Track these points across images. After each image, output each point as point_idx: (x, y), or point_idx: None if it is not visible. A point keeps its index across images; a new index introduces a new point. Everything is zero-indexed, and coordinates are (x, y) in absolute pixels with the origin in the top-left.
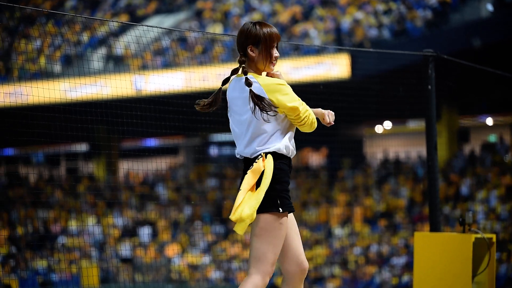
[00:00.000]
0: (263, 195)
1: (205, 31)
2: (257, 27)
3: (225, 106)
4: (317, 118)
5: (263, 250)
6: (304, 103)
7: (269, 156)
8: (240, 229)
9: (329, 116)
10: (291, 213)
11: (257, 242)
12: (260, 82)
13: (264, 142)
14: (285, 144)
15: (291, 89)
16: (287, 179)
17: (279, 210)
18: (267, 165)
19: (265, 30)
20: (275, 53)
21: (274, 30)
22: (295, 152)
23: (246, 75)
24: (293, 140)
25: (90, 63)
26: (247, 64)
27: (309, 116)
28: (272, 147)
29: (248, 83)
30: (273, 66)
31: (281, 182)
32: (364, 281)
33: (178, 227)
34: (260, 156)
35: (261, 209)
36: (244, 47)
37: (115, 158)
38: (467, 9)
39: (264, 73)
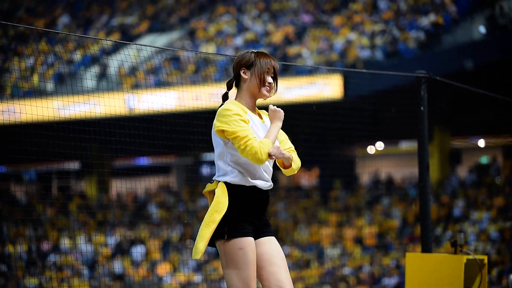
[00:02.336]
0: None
1: (198, 51)
2: (253, 53)
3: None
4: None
5: (230, 281)
6: (246, 134)
7: (220, 185)
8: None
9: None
10: (267, 238)
11: (225, 276)
12: (223, 106)
13: (218, 168)
14: (235, 174)
15: (237, 119)
16: (241, 207)
17: (224, 237)
18: (217, 193)
19: (260, 56)
20: (269, 80)
21: (270, 59)
22: (257, 180)
23: (224, 100)
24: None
25: (83, 82)
26: (240, 87)
27: (248, 146)
28: (222, 177)
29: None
30: (267, 93)
31: (232, 209)
32: None
33: (170, 245)
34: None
35: (215, 237)
36: (237, 69)
37: (107, 176)
38: (459, 31)
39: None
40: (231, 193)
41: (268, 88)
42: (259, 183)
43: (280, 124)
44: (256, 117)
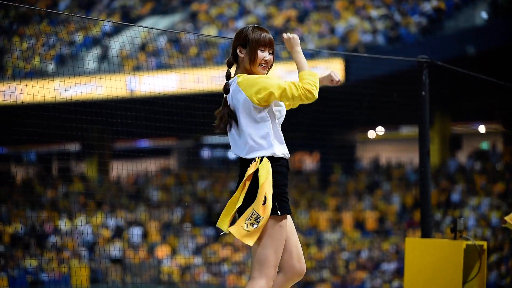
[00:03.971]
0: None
1: (200, 33)
2: (250, 29)
3: (219, 107)
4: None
5: (266, 254)
6: (287, 83)
7: (265, 160)
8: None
9: (335, 75)
10: (290, 215)
11: (259, 247)
12: (239, 80)
13: (256, 145)
14: (278, 146)
15: (269, 78)
16: (285, 181)
17: (277, 213)
18: (262, 169)
19: (255, 32)
20: (266, 56)
21: (265, 34)
22: (288, 153)
23: (228, 79)
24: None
25: (84, 63)
26: (238, 65)
27: (297, 89)
28: (266, 151)
29: (226, 90)
30: (264, 70)
31: (279, 185)
32: (354, 287)
33: (169, 228)
34: (254, 160)
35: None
36: (234, 47)
37: (107, 158)
38: (461, 16)
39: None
40: (275, 168)
41: (264, 65)
42: (287, 154)
43: (299, 49)
44: None
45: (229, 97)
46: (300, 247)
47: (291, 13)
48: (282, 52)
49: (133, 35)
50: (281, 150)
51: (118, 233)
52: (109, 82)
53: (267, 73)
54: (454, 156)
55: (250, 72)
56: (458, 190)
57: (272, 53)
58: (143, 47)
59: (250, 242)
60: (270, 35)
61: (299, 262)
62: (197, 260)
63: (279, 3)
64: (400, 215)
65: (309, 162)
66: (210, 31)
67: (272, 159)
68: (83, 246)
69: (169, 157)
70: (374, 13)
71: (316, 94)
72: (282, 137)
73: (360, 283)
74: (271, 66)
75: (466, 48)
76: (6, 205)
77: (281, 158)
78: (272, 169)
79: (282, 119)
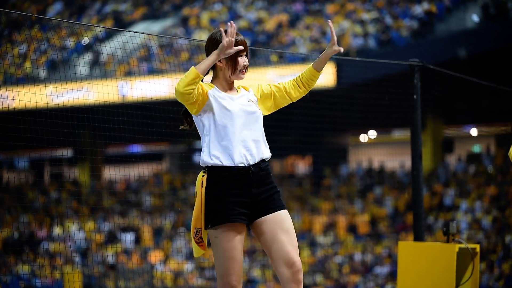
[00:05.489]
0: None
1: (191, 38)
2: (223, 36)
3: None
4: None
5: (216, 266)
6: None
7: (201, 172)
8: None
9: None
10: (268, 215)
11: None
12: None
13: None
14: (211, 154)
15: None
16: (222, 192)
17: (209, 226)
18: (197, 182)
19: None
20: (244, 61)
21: (240, 38)
22: (239, 157)
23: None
24: (237, 143)
25: (75, 69)
26: (216, 72)
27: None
28: (201, 161)
29: None
30: (243, 75)
31: (212, 197)
32: None
33: (162, 233)
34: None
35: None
36: (209, 55)
37: (99, 163)
38: (453, 20)
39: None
40: (207, 177)
41: (244, 70)
42: (238, 160)
43: (217, 52)
44: (229, 94)
45: None
46: (290, 250)
47: (282, 18)
48: (271, 55)
49: (125, 40)
50: (215, 157)
51: (111, 238)
52: (101, 88)
53: (243, 76)
54: (446, 159)
55: (230, 79)
56: (450, 193)
57: (247, 55)
58: (135, 51)
59: (207, 255)
60: (243, 37)
61: (288, 267)
62: (190, 265)
63: (270, 8)
64: (392, 218)
65: (302, 166)
66: (202, 36)
67: (207, 168)
68: (76, 251)
69: (162, 162)
70: (365, 16)
71: (179, 87)
72: (233, 142)
73: (353, 287)
74: (247, 69)
75: (457, 51)
76: None
77: (217, 166)
78: (207, 180)
79: (234, 122)
